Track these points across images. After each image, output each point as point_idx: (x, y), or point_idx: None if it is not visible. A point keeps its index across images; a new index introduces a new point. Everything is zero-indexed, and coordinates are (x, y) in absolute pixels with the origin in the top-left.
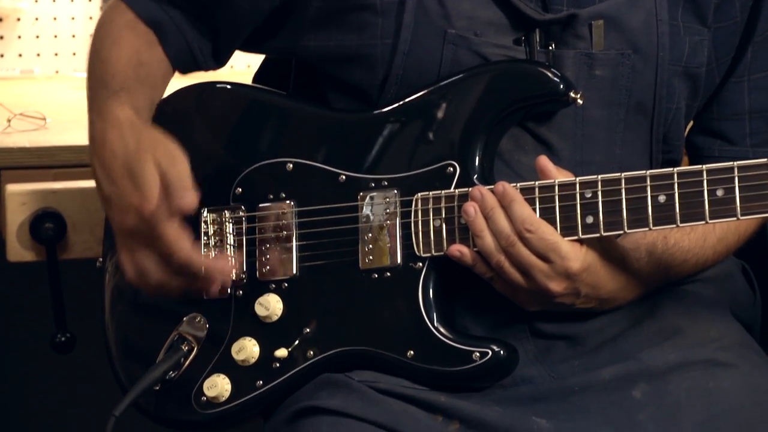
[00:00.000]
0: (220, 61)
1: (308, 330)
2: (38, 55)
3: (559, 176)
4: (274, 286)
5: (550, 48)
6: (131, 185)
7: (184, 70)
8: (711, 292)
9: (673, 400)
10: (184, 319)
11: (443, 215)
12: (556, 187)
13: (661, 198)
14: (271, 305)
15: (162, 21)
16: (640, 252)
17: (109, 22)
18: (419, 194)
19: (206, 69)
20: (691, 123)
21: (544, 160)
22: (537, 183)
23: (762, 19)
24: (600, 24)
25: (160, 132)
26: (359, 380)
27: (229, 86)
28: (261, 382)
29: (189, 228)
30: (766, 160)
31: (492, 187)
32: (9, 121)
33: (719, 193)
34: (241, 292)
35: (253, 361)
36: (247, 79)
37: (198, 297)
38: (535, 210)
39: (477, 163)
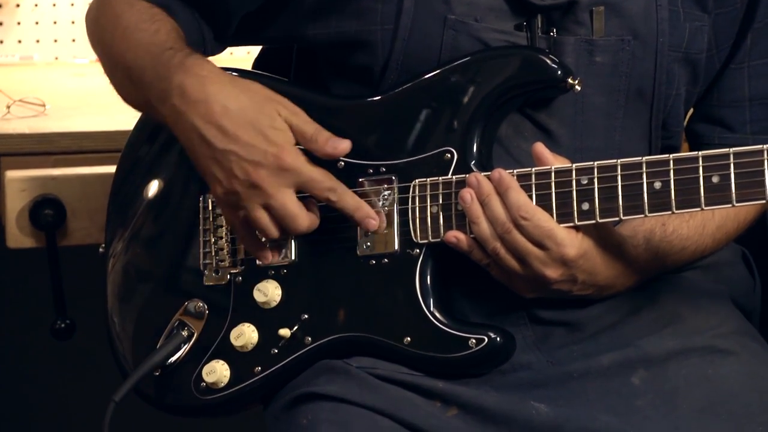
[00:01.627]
0: (223, 45)
1: (306, 316)
2: (37, 41)
3: (556, 163)
4: (273, 272)
5: (551, 34)
6: (261, 138)
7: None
8: (711, 279)
9: (672, 387)
10: (185, 305)
11: (440, 202)
12: (553, 174)
13: (657, 184)
14: (269, 291)
15: (172, 4)
16: (637, 239)
17: (114, 7)
18: (417, 181)
19: (209, 55)
20: (691, 110)
21: (540, 147)
22: (533, 169)
23: (762, 6)
24: (601, 10)
25: (262, 85)
26: (358, 366)
27: (233, 72)
28: (259, 368)
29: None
30: (761, 146)
31: (488, 173)
32: (8, 107)
33: (715, 179)
34: (240, 278)
35: (251, 347)
36: (246, 65)
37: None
38: (531, 196)
39: (475, 150)
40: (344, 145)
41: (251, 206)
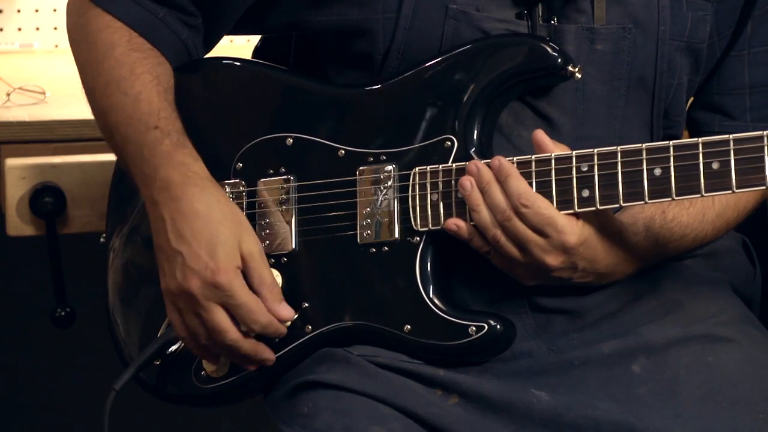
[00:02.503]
0: (209, 47)
1: (307, 304)
2: (37, 29)
3: (556, 150)
4: (273, 260)
5: (552, 22)
6: (207, 252)
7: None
8: (711, 267)
9: (673, 375)
10: None
11: (440, 189)
12: (553, 161)
13: (657, 171)
14: None
15: (155, 27)
16: (637, 226)
17: (96, 40)
18: (417, 168)
19: (197, 57)
20: (691, 98)
21: (540, 134)
22: (533, 157)
23: None
24: None
25: (239, 210)
26: (358, 354)
27: (230, 61)
28: None
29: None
30: (761, 132)
31: (488, 161)
32: (8, 95)
33: (714, 165)
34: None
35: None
36: (246, 53)
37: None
38: (531, 184)
39: (475, 138)
40: (290, 314)
41: (186, 313)
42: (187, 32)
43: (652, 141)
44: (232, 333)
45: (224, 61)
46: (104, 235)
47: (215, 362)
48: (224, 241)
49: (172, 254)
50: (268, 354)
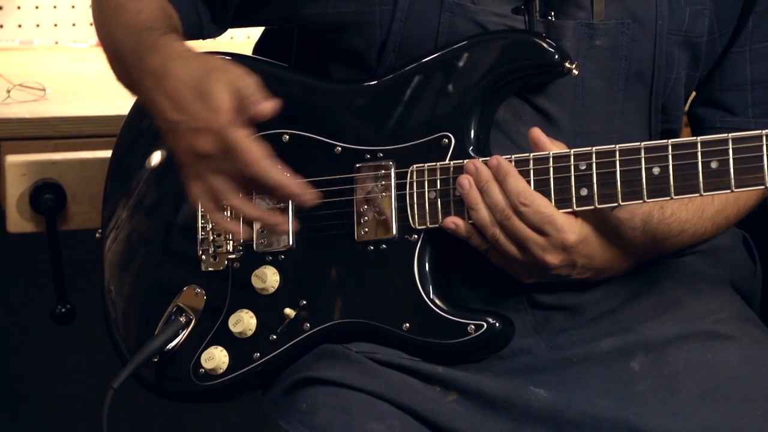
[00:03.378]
0: (220, 27)
1: (305, 302)
2: (37, 25)
3: (553, 148)
4: (270, 258)
5: (550, 18)
6: (202, 105)
7: (189, 37)
8: (710, 264)
9: (672, 372)
10: (183, 291)
11: (438, 187)
12: (551, 159)
13: (656, 170)
14: (267, 277)
15: None
16: (635, 222)
17: None
18: (414, 166)
19: (208, 37)
20: (693, 94)
21: (537, 132)
22: (531, 155)
23: None
24: None
25: (221, 57)
26: (357, 351)
27: (228, 57)
28: (258, 354)
29: (265, 143)
30: (760, 132)
31: (487, 159)
32: (8, 91)
33: (713, 164)
34: (237, 264)
35: (250, 333)
36: (246, 50)
37: (275, 221)
38: (529, 182)
39: (472, 135)
40: (266, 105)
41: (205, 174)
42: (200, 2)
43: (650, 136)
44: (255, 164)
45: (218, 56)
46: (100, 230)
47: (247, 233)
48: (211, 90)
49: (175, 128)
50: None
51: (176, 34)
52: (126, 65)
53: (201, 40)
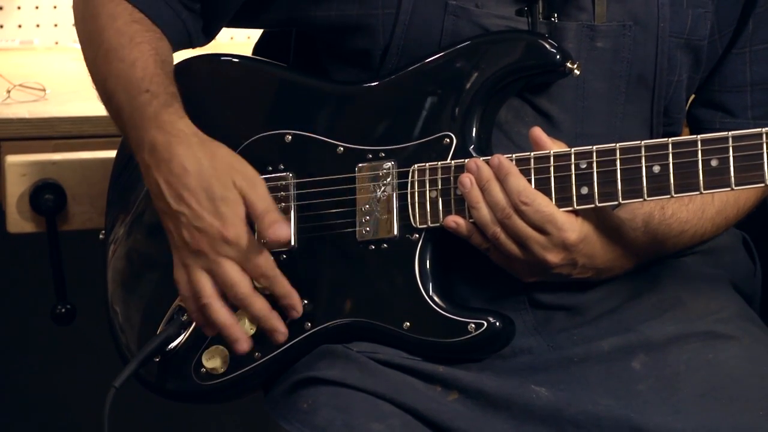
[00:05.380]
0: (209, 36)
1: (306, 301)
2: (38, 26)
3: (554, 147)
4: (272, 257)
5: (553, 19)
6: (210, 207)
7: (177, 49)
8: (711, 264)
9: (673, 372)
10: None
11: (439, 186)
12: (551, 158)
13: (656, 168)
14: None
15: (155, 4)
16: (636, 222)
17: (99, 12)
18: (416, 165)
19: (197, 46)
20: (692, 96)
21: (537, 131)
22: (532, 154)
23: None
24: None
25: (229, 150)
26: (358, 351)
27: (228, 58)
28: (259, 353)
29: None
30: (759, 129)
31: (488, 158)
32: (8, 92)
33: (713, 163)
34: None
35: (251, 332)
36: (247, 50)
37: (232, 335)
38: (530, 181)
39: (474, 134)
40: (284, 234)
41: (194, 268)
42: (187, 14)
43: (651, 138)
44: (243, 286)
45: (222, 58)
46: (103, 231)
47: (211, 332)
48: (223, 195)
49: (174, 216)
50: (278, 323)
51: (177, 103)
52: (121, 120)
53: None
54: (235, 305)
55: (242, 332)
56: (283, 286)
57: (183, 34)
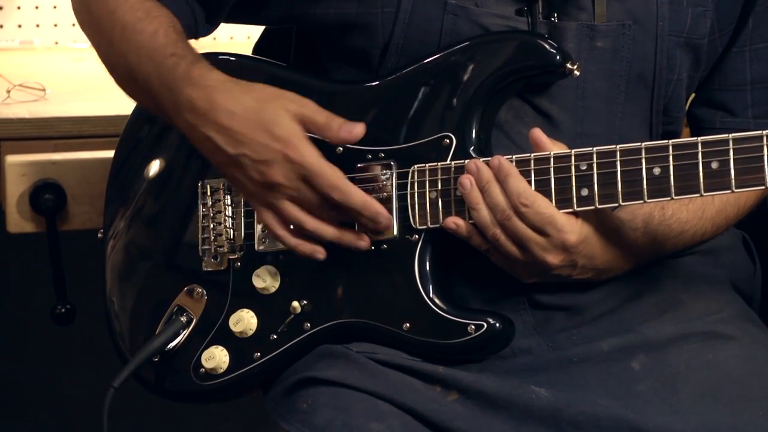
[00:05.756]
0: (212, 26)
1: (306, 302)
2: (37, 25)
3: (554, 148)
4: (271, 257)
5: (553, 19)
6: (266, 136)
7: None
8: (711, 264)
9: (672, 372)
10: (183, 290)
11: (439, 187)
12: (552, 159)
13: (656, 170)
14: (268, 277)
15: None
16: (636, 222)
17: None
18: (416, 166)
19: (201, 36)
20: (692, 95)
21: (537, 133)
22: (532, 155)
23: None
24: None
25: (265, 85)
26: (358, 351)
27: (226, 57)
28: (259, 354)
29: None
30: (760, 132)
31: (488, 159)
32: (8, 92)
33: (714, 165)
34: (238, 263)
35: (251, 333)
36: (246, 50)
37: (347, 242)
38: (530, 182)
39: (474, 135)
40: (359, 129)
41: (278, 203)
42: (194, 2)
43: (651, 137)
44: (326, 205)
45: (220, 56)
46: (102, 230)
47: (321, 251)
48: (275, 119)
49: (237, 161)
50: (359, 236)
51: (203, 60)
52: (151, 91)
53: (196, 40)
54: (327, 230)
55: (355, 234)
56: (359, 196)
57: (191, 20)
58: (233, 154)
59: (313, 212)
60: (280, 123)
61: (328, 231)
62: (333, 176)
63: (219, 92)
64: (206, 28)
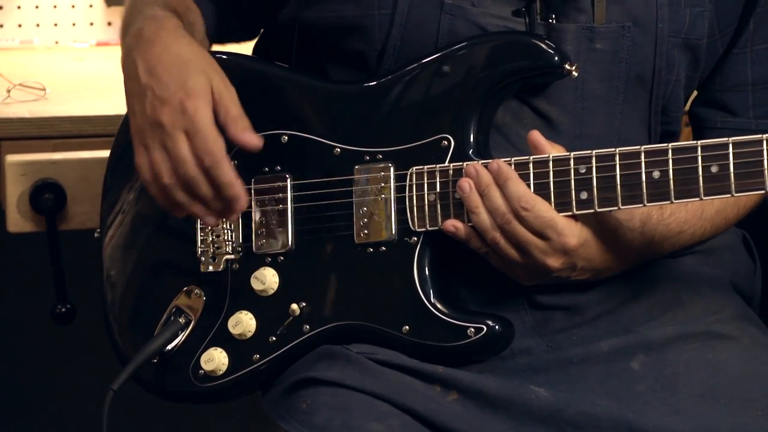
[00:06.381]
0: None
1: (304, 304)
2: (38, 25)
3: (552, 151)
4: (269, 259)
5: (551, 20)
6: (177, 81)
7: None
8: (711, 264)
9: (672, 372)
10: (182, 292)
11: (438, 190)
12: (551, 163)
13: (656, 174)
14: (267, 279)
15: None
16: (634, 222)
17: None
18: (414, 168)
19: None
20: (694, 95)
21: (536, 135)
22: (531, 158)
23: None
24: None
25: (209, 55)
26: (357, 351)
27: (226, 57)
28: (258, 355)
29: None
30: (760, 136)
31: (487, 162)
32: (9, 91)
33: (714, 169)
34: (237, 265)
35: (249, 334)
36: (247, 50)
37: (200, 214)
38: (529, 185)
39: (472, 137)
40: (257, 141)
41: (153, 144)
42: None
43: (650, 138)
44: (191, 165)
45: (217, 56)
46: (98, 230)
47: (176, 211)
48: (195, 74)
49: (142, 90)
50: (234, 190)
51: (178, 17)
52: (124, 22)
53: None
54: (185, 193)
55: (203, 208)
56: (228, 172)
57: (213, 25)
58: (143, 83)
59: (177, 170)
60: (197, 79)
61: (180, 194)
62: (215, 142)
63: (169, 34)
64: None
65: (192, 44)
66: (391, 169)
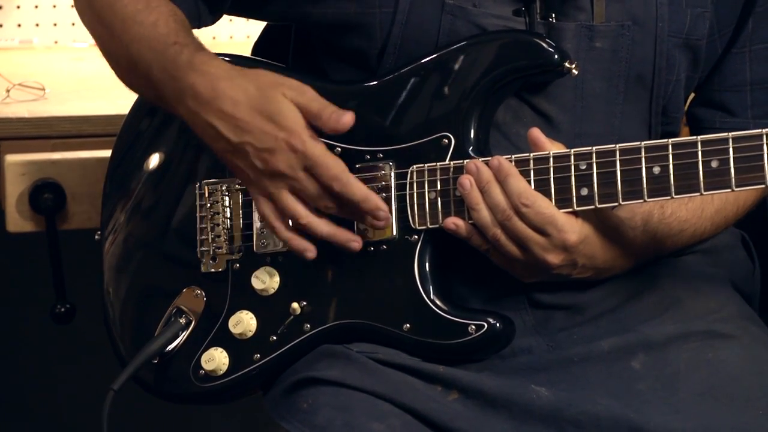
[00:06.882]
0: (215, 16)
1: (305, 303)
2: (37, 25)
3: (552, 148)
4: (270, 259)
5: (551, 19)
6: (271, 125)
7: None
8: (710, 263)
9: (672, 371)
10: (182, 292)
11: (438, 188)
12: (551, 159)
13: (656, 169)
14: (267, 279)
15: None
16: (635, 221)
17: None
18: (414, 166)
19: (204, 26)
20: (692, 95)
21: (536, 132)
22: (532, 155)
23: None
24: None
25: (268, 71)
26: (358, 351)
27: (227, 58)
28: (258, 355)
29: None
30: (760, 131)
31: (487, 159)
32: (8, 91)
33: (714, 164)
34: (237, 265)
35: (250, 334)
36: (246, 50)
37: (340, 241)
38: (529, 182)
39: (472, 135)
40: (347, 118)
41: (277, 193)
42: None
43: (650, 138)
44: (325, 198)
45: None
46: (99, 232)
47: (312, 250)
48: (273, 103)
49: (239, 149)
50: (350, 234)
51: (206, 48)
52: (151, 81)
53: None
54: (320, 225)
55: (350, 233)
56: (360, 189)
57: (194, 9)
58: (236, 142)
59: (311, 205)
60: (283, 112)
61: (322, 227)
62: (335, 167)
63: (222, 79)
64: (209, 18)
65: (247, 76)
66: (392, 167)
